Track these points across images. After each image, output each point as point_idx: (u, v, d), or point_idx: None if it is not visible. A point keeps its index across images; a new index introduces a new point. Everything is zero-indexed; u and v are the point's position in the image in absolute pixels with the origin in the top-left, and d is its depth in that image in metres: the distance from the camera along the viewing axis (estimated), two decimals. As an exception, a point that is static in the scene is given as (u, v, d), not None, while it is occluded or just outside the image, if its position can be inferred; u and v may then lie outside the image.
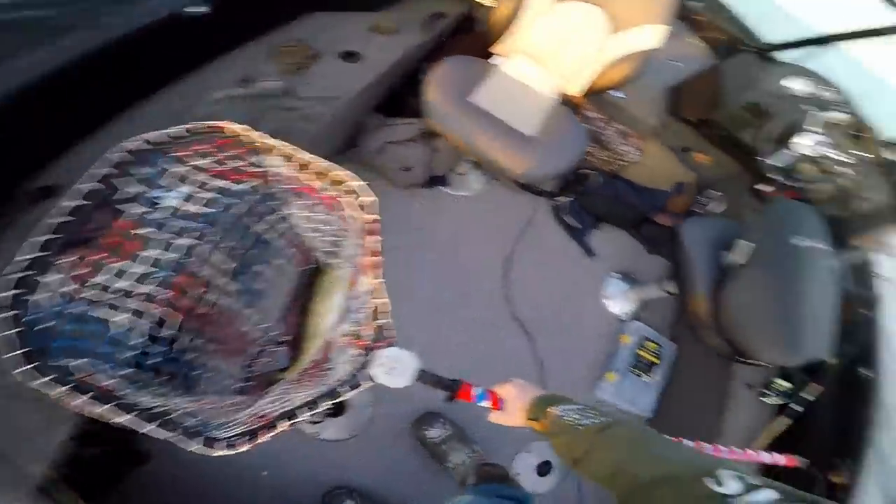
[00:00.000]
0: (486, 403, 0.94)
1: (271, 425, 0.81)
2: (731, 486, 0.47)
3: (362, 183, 1.03)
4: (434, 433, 1.65)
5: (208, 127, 0.98)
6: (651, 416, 2.11)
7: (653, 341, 2.18)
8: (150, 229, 0.98)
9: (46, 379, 0.71)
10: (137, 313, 0.98)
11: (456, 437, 1.65)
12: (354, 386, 0.88)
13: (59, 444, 0.85)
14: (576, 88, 1.87)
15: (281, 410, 0.87)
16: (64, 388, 0.71)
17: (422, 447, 1.66)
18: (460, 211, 2.12)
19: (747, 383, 1.88)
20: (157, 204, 0.98)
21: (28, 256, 0.76)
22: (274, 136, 1.06)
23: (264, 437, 0.79)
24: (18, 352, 0.70)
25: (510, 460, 1.80)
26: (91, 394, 0.73)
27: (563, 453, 0.73)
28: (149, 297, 1.00)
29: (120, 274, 0.94)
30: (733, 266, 1.60)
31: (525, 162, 1.64)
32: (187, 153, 0.99)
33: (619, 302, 2.28)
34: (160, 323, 1.03)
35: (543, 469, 1.79)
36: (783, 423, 1.75)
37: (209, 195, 1.07)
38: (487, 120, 1.67)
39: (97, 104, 1.31)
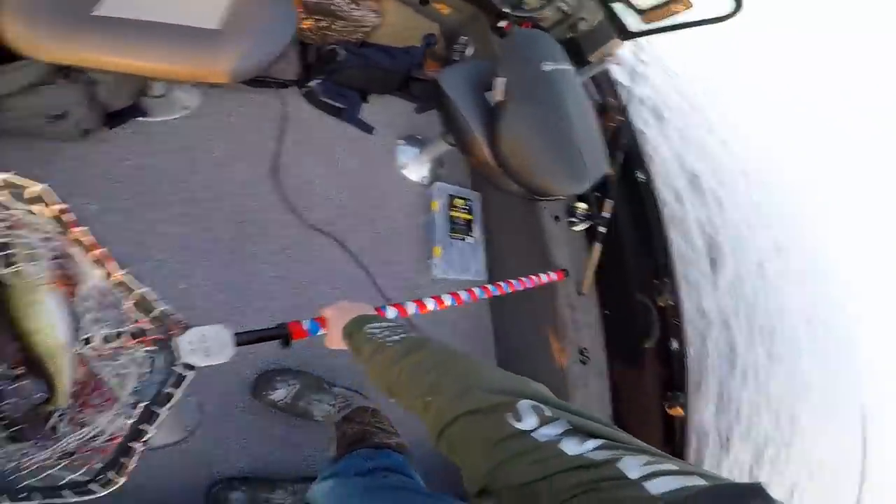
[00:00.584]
0: (322, 332, 0.91)
1: (125, 450, 0.76)
2: (528, 420, 0.45)
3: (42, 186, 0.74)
4: (279, 394, 1.42)
5: None
6: (486, 276, 2.08)
7: (460, 197, 2.12)
8: None
9: None
10: None
11: (308, 387, 1.44)
12: (178, 381, 0.80)
13: None
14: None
15: (113, 434, 0.83)
16: None
17: (279, 412, 1.43)
18: (185, 137, 1.59)
19: (554, 216, 1.89)
20: None
21: None
22: None
23: (131, 464, 0.75)
24: None
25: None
26: None
27: (377, 380, 0.67)
28: None
29: None
30: (498, 105, 1.45)
31: (225, 62, 1.19)
32: None
33: (415, 168, 2.13)
34: None
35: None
36: (597, 249, 1.80)
37: None
38: (140, 29, 1.14)
39: None
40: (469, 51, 2.26)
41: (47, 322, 1.02)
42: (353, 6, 2.05)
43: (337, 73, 2.01)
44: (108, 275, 0.84)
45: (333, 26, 2.05)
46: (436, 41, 2.20)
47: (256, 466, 1.39)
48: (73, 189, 1.38)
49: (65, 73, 1.29)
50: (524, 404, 0.46)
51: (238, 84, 1.72)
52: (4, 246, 1.02)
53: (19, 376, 1.06)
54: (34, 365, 1.05)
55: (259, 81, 1.82)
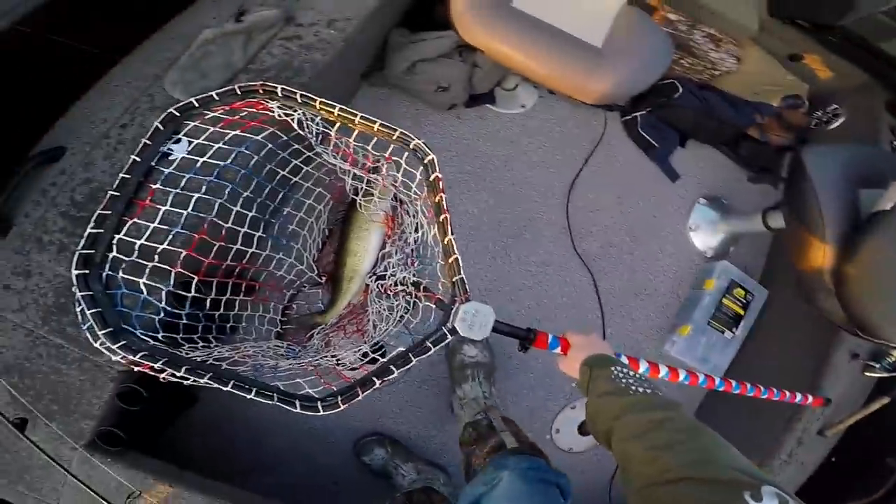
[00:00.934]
0: (557, 350, 0.94)
1: (364, 382, 0.86)
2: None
3: (419, 141, 0.98)
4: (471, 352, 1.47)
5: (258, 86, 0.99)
6: (722, 374, 1.78)
7: (742, 287, 1.78)
8: (158, 186, 0.97)
9: (121, 344, 0.81)
10: (156, 274, 0.94)
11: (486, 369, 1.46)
12: (439, 340, 0.89)
13: (104, 402, 0.91)
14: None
15: (363, 364, 0.98)
16: (139, 355, 0.81)
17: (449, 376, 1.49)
18: (513, 132, 1.72)
19: (854, 353, 1.49)
20: (169, 156, 0.99)
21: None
22: (278, 73, 1.11)
23: (362, 396, 0.85)
24: (106, 330, 0.81)
25: (553, 415, 1.63)
26: (165, 360, 0.82)
27: (596, 418, 0.68)
28: (165, 258, 0.95)
29: (136, 233, 0.94)
30: (880, 213, 1.18)
31: (598, 83, 1.23)
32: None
33: (705, 235, 1.88)
34: (183, 285, 0.98)
35: (585, 428, 1.58)
36: (880, 403, 1.40)
37: (219, 146, 1.03)
38: (540, 31, 1.24)
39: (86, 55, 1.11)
40: (835, 123, 1.89)
41: (364, 248, 1.26)
42: (712, 46, 1.88)
43: (666, 109, 1.88)
44: (445, 235, 0.96)
45: (682, 61, 1.91)
46: (802, 104, 1.91)
47: (405, 435, 1.49)
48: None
49: (460, 51, 1.50)
50: (769, 489, 0.44)
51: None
52: (367, 181, 1.26)
53: (318, 283, 1.33)
54: (333, 280, 1.30)
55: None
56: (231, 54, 1.17)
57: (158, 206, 0.96)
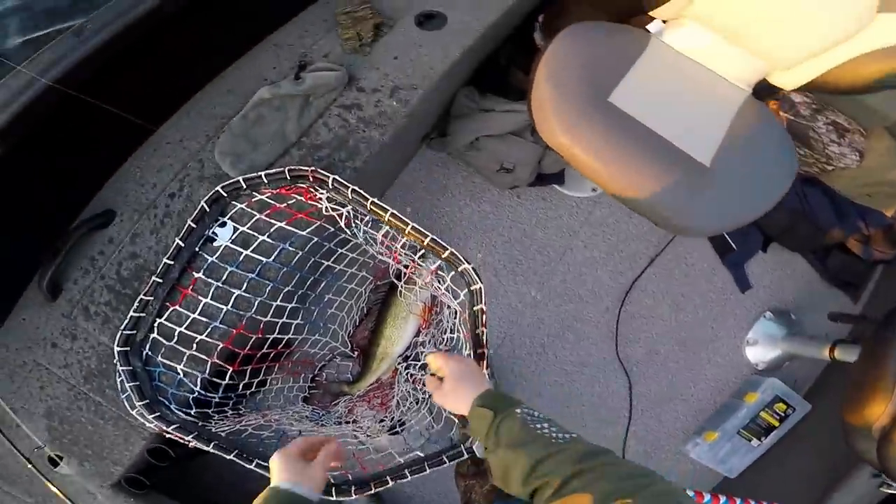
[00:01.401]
0: (428, 382, 0.83)
1: (381, 479, 0.92)
2: None
3: (469, 266, 0.90)
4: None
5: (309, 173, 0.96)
6: (735, 476, 1.68)
7: (784, 401, 1.64)
8: (200, 275, 1.01)
9: (156, 416, 0.93)
10: (193, 361, 1.01)
11: None
12: (455, 457, 0.91)
13: (134, 454, 1.01)
14: (789, 81, 1.14)
15: (382, 462, 0.97)
16: (172, 427, 0.92)
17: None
18: (576, 220, 1.60)
19: (875, 472, 1.40)
20: (213, 241, 1.01)
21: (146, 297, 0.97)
22: (332, 151, 1.11)
23: (374, 489, 0.92)
24: (143, 402, 0.93)
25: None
26: (195, 433, 0.93)
27: (512, 467, 0.59)
28: (203, 348, 1.01)
29: (177, 320, 1.00)
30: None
31: (697, 217, 1.05)
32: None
33: (762, 349, 1.72)
34: (218, 373, 1.05)
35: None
36: None
37: (263, 238, 1.03)
38: (636, 139, 1.05)
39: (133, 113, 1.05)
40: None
41: (398, 335, 1.23)
42: (834, 137, 1.67)
43: None
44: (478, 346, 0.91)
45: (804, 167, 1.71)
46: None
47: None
48: (474, 233, 1.54)
49: (533, 129, 1.38)
50: None
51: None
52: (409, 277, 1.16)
53: (350, 356, 1.32)
54: (365, 356, 1.28)
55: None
56: (286, 122, 1.10)
57: (200, 298, 1.00)
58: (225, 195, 0.99)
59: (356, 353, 1.35)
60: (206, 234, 1.00)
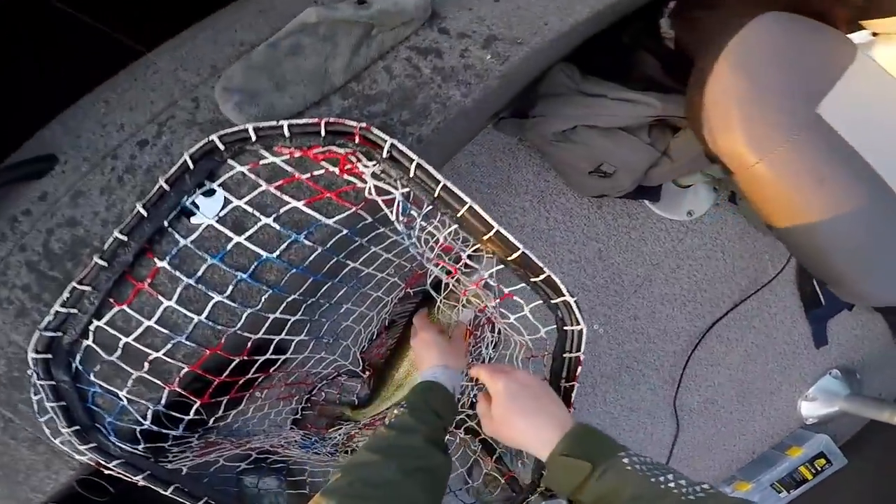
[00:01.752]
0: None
1: None
2: None
3: (573, 300, 0.59)
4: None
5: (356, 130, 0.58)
6: None
7: (826, 458, 1.45)
8: (164, 264, 0.64)
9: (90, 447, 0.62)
10: (143, 385, 0.66)
11: None
12: None
13: (59, 483, 0.71)
14: None
15: None
16: (114, 463, 0.63)
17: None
18: (662, 247, 1.24)
19: None
20: (191, 215, 0.63)
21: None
22: (390, 109, 0.70)
23: None
24: (71, 428, 0.62)
25: None
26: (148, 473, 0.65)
27: None
28: (158, 370, 0.66)
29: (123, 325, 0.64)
30: None
31: (881, 278, 0.75)
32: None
33: (819, 406, 1.49)
34: (178, 405, 0.70)
35: None
36: None
37: (267, 222, 0.65)
38: (847, 165, 0.69)
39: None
40: None
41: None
42: None
43: None
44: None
45: None
46: None
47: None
48: (537, 244, 1.19)
49: (651, 128, 1.01)
50: None
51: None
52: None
53: (358, 375, 1.08)
54: (378, 377, 1.01)
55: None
56: (332, 57, 0.70)
57: (160, 298, 0.63)
58: (221, 148, 0.61)
59: (367, 372, 1.05)
60: (182, 203, 0.63)
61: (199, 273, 0.63)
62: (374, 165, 0.58)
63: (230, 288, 0.63)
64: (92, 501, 0.73)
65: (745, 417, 1.43)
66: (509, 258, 0.57)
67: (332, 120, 0.58)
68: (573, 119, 0.94)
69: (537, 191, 1.15)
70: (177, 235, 0.62)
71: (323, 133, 0.58)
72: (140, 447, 0.66)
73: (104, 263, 0.60)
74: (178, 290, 0.63)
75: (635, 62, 0.99)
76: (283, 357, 0.78)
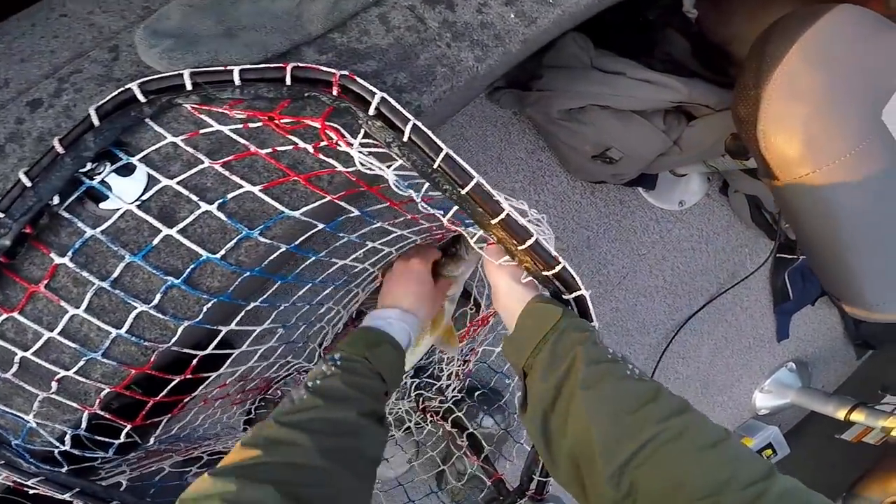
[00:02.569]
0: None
1: None
2: None
3: (587, 294, 0.46)
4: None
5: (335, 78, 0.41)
6: None
7: (773, 448, 1.46)
8: (65, 261, 0.44)
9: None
10: (54, 406, 0.48)
11: None
12: None
13: None
14: None
15: None
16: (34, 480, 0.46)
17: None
18: (650, 237, 1.15)
19: None
20: (100, 200, 0.44)
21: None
22: (383, 67, 0.50)
23: None
24: None
25: None
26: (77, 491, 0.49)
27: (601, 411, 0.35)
28: (72, 391, 0.48)
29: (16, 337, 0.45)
30: None
31: None
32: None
33: (771, 398, 1.50)
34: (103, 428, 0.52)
35: None
36: None
37: (210, 210, 0.46)
38: (888, 175, 0.58)
39: None
40: None
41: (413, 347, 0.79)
42: None
43: None
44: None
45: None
46: None
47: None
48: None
49: (666, 115, 0.87)
50: None
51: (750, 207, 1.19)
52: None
53: None
54: None
55: (760, 220, 1.26)
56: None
57: (62, 304, 0.45)
58: (143, 100, 0.42)
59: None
60: (85, 179, 0.44)
61: (115, 275, 0.45)
62: (361, 135, 0.41)
63: (158, 296, 0.45)
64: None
65: (706, 409, 1.40)
66: (521, 248, 0.44)
67: (301, 65, 0.40)
68: (585, 97, 0.79)
69: (529, 171, 1.00)
70: (80, 224, 0.43)
71: (288, 81, 0.40)
72: (63, 469, 0.51)
73: (-26, 255, 0.41)
74: (88, 295, 0.45)
75: (660, 41, 0.83)
76: (237, 369, 0.61)
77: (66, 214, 0.43)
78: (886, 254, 0.59)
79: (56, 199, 0.42)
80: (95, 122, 0.42)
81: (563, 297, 0.47)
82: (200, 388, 0.60)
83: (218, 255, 0.45)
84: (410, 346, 0.56)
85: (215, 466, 0.36)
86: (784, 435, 1.45)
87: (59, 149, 0.41)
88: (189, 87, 0.41)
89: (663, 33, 0.84)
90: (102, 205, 0.44)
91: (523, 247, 0.43)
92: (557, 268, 0.44)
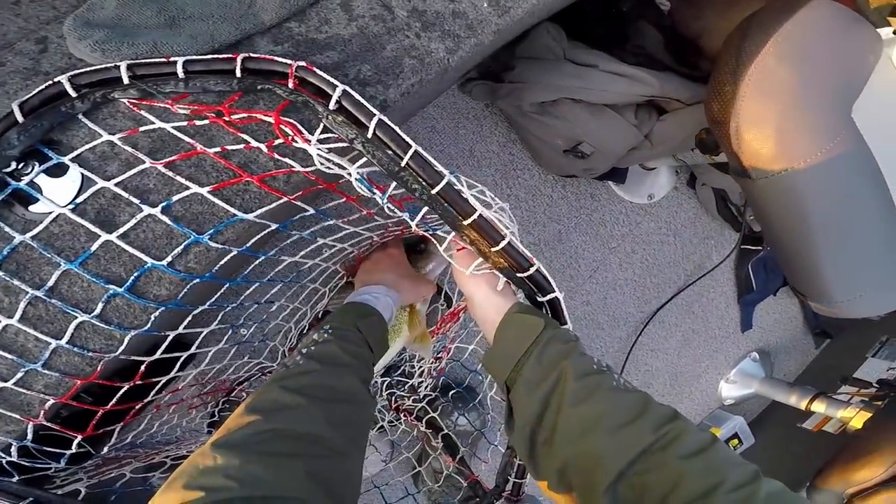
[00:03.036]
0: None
1: None
2: None
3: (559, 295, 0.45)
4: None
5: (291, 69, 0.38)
6: None
7: (738, 438, 1.50)
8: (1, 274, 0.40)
9: None
10: None
11: None
12: None
13: None
14: None
15: None
16: None
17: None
18: (619, 230, 1.15)
19: None
20: (30, 202, 0.40)
21: None
22: (344, 59, 0.46)
23: None
24: None
25: None
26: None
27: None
28: (13, 403, 0.44)
29: None
30: None
31: (870, 299, 0.66)
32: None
33: (737, 388, 1.53)
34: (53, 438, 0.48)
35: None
36: None
37: (153, 213, 0.42)
38: (867, 178, 0.59)
39: None
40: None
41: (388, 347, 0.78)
42: None
43: None
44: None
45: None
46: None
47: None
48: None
49: (638, 109, 0.85)
50: None
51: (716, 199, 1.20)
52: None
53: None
54: None
55: (725, 211, 1.28)
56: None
57: None
58: (73, 94, 0.38)
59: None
60: (10, 180, 0.40)
61: (51, 283, 0.40)
62: (320, 131, 0.38)
63: (100, 305, 0.41)
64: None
65: (674, 400, 1.44)
66: (492, 249, 0.42)
67: (253, 55, 0.37)
68: (558, 90, 0.77)
69: (501, 164, 0.98)
70: (7, 229, 0.39)
71: (238, 73, 0.36)
72: (13, 479, 0.47)
73: None
74: (22, 305, 0.40)
75: (632, 33, 0.81)
76: (190, 373, 0.58)
77: (-9, 217, 0.39)
78: (852, 251, 0.60)
79: (-25, 201, 0.38)
80: (19, 118, 0.37)
81: (537, 298, 0.45)
82: (152, 393, 0.56)
83: (164, 262, 0.41)
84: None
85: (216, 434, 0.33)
86: (748, 424, 1.49)
87: (-21, 146, 0.37)
88: (126, 80, 0.37)
89: (636, 25, 0.82)
90: (32, 208, 0.40)
91: (497, 248, 0.41)
92: (531, 269, 0.43)
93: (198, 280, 0.45)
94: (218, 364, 0.64)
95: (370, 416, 0.43)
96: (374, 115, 0.38)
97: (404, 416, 0.89)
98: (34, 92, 0.38)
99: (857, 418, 1.25)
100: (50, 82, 0.38)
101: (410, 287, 0.58)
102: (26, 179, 0.39)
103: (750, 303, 1.47)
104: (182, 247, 0.42)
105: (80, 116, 0.40)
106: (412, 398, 0.90)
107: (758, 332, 1.50)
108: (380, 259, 0.60)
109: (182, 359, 0.53)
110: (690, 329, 1.36)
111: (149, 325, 0.45)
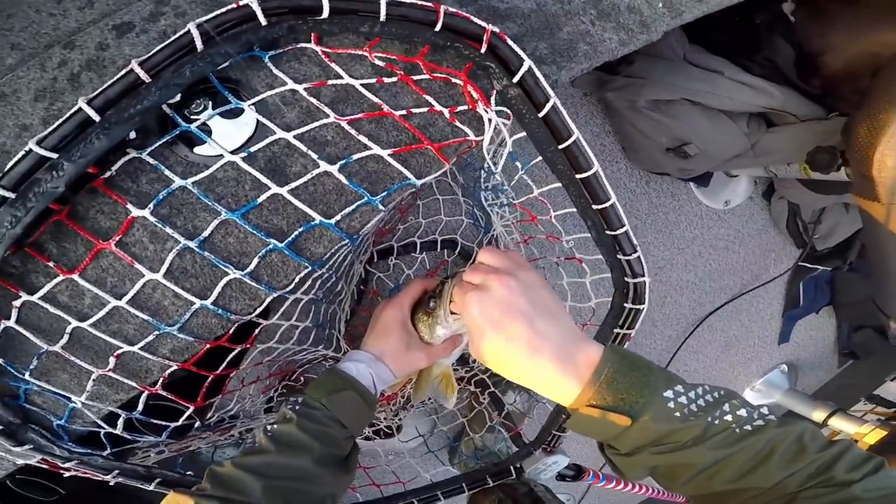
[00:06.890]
0: None
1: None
2: None
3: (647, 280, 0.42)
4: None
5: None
6: None
7: None
8: (144, 213, 0.34)
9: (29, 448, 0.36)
10: (106, 385, 0.38)
11: None
12: (502, 474, 0.65)
13: None
14: None
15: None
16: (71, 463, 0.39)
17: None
18: (691, 232, 1.09)
19: None
20: (195, 142, 0.35)
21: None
22: (534, 35, 0.42)
23: None
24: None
25: None
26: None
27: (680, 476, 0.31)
28: (133, 366, 0.37)
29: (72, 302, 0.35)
30: None
31: None
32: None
33: (760, 396, 1.50)
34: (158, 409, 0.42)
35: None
36: None
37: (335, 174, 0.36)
38: None
39: None
40: None
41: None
42: None
43: (846, 273, 1.31)
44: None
45: None
46: None
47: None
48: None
49: (749, 119, 0.77)
50: None
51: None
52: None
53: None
54: None
55: (793, 226, 1.20)
56: None
57: (137, 266, 0.35)
58: (263, 22, 0.32)
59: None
60: (180, 119, 0.34)
61: (206, 234, 0.36)
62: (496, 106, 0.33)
63: (255, 261, 0.36)
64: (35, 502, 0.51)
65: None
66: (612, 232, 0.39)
67: (452, 10, 0.31)
68: (680, 91, 0.70)
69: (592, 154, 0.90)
70: (167, 171, 0.34)
71: (439, 26, 0.30)
72: (104, 452, 0.42)
73: (9, 194, 0.30)
74: (169, 256, 0.36)
75: (763, 45, 0.74)
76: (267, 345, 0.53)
77: (148, 159, 0.33)
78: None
79: (133, 135, 0.33)
80: (198, 44, 0.32)
81: (628, 280, 0.42)
82: (244, 362, 0.52)
83: (332, 221, 0.36)
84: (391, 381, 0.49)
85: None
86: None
87: (142, 74, 0.31)
88: (326, 12, 0.31)
89: (769, 38, 0.74)
90: (197, 149, 0.35)
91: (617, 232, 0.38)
92: (634, 254, 0.40)
93: (347, 241, 0.40)
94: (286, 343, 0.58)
95: (331, 486, 0.42)
96: (551, 97, 0.33)
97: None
98: (217, 13, 0.32)
99: (871, 435, 1.21)
100: (236, 4, 0.32)
101: (402, 357, 0.48)
102: (199, 121, 0.34)
103: (793, 317, 1.43)
104: (354, 206, 0.37)
105: (265, 59, 0.34)
106: (464, 368, 0.85)
107: (791, 345, 1.46)
108: (376, 319, 0.50)
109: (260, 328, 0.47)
110: (734, 336, 1.31)
111: (292, 285, 0.40)
